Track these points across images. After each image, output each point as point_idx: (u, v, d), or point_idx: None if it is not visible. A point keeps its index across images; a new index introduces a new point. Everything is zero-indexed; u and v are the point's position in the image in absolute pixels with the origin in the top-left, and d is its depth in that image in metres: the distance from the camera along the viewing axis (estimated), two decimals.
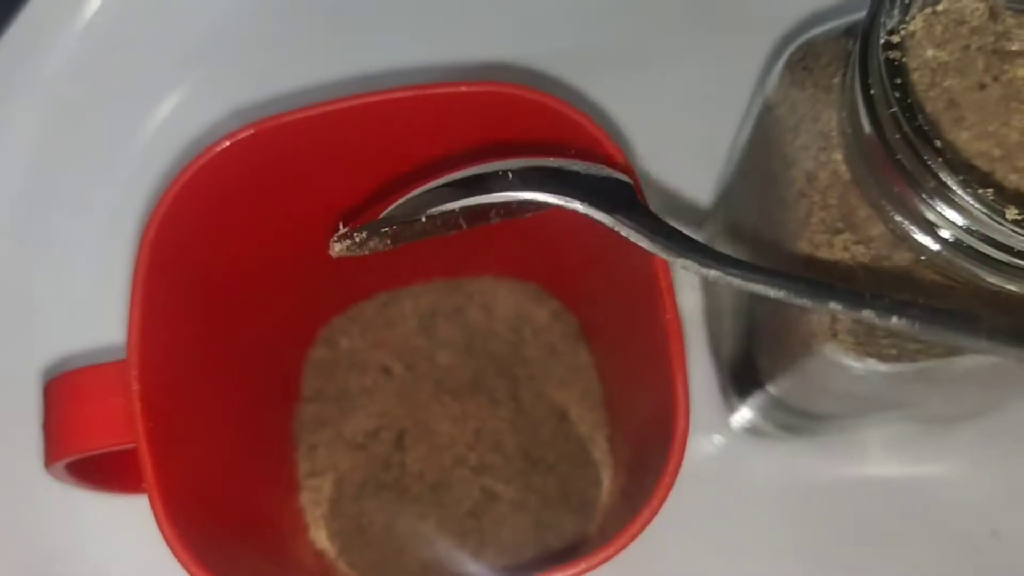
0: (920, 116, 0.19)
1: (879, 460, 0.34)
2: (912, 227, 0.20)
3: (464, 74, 0.37)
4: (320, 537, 0.33)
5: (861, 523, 0.33)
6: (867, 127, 0.20)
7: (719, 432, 0.34)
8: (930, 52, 0.21)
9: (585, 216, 0.23)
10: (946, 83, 0.21)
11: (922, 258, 0.21)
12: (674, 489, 0.23)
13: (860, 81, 0.20)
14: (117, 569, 0.33)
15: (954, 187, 0.19)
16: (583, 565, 0.23)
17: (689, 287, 0.35)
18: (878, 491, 0.34)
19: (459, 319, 0.35)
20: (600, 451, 0.33)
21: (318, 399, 0.35)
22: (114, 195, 0.36)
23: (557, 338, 0.35)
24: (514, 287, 0.36)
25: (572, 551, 0.32)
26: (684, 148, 0.35)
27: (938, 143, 0.19)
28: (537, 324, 0.35)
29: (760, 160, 0.26)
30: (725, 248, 0.32)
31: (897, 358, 0.23)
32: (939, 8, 0.21)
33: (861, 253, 0.22)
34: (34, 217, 0.36)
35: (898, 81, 0.20)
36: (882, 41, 0.20)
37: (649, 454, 0.28)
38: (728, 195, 0.32)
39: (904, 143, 0.19)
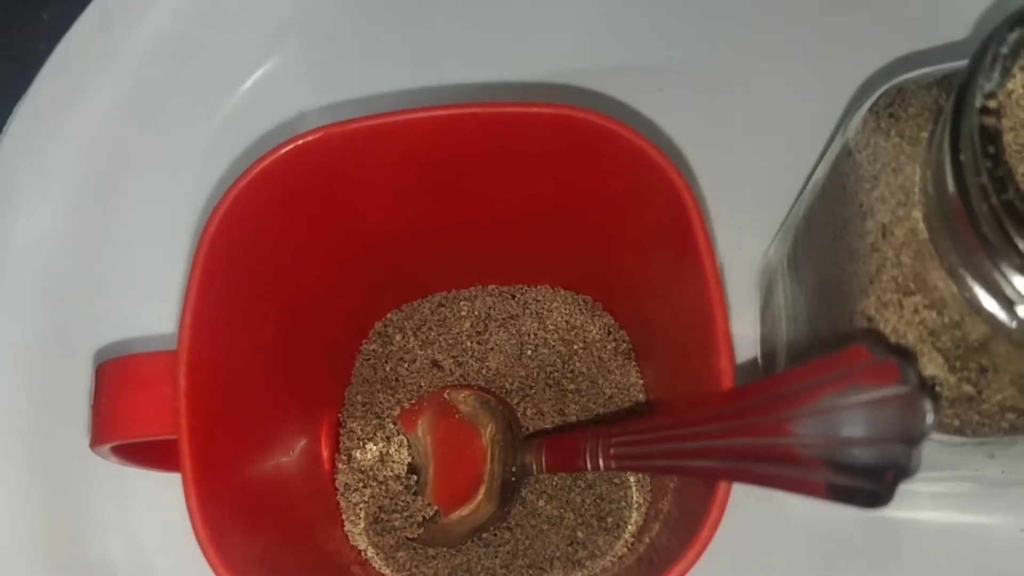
0: (1011, 189, 0.18)
1: (930, 508, 0.33)
2: (988, 299, 0.19)
3: (527, 91, 0.36)
4: (355, 532, 0.33)
5: (907, 564, 0.33)
6: (952, 190, 0.19)
7: None
8: None
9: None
10: None
11: (997, 332, 0.20)
12: None
13: (950, 143, 0.19)
14: (155, 541, 0.34)
15: None
16: None
17: (747, 319, 0.34)
18: (926, 535, 0.33)
19: (512, 326, 0.35)
20: (636, 474, 0.33)
21: (367, 387, 0.35)
22: (185, 181, 0.36)
23: (608, 354, 0.34)
24: (569, 299, 0.35)
25: (603, 569, 0.32)
26: (751, 177, 0.34)
27: None
28: (589, 338, 0.35)
29: (834, 204, 0.25)
30: (785, 288, 0.31)
31: (959, 430, 0.22)
32: None
33: (932, 319, 0.21)
34: (105, 197, 0.37)
35: (991, 150, 0.18)
36: (978, 105, 0.19)
37: (691, 490, 0.27)
38: (794, 234, 0.31)
39: (990, 215, 0.18)
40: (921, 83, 0.23)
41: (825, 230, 0.26)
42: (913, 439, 0.17)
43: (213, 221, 0.24)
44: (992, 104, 0.19)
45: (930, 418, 0.16)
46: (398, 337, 0.35)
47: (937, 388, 0.21)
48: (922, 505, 0.33)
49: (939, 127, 0.20)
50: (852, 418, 0.18)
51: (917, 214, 0.21)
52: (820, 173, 0.27)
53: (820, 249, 0.27)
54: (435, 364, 0.35)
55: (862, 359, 0.18)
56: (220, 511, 0.24)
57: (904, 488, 0.32)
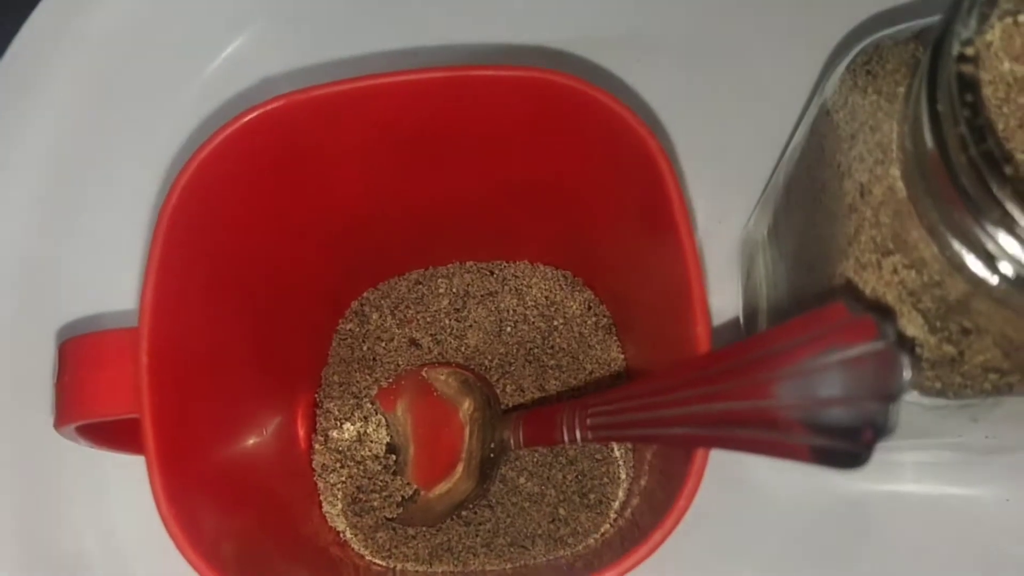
0: (990, 139, 0.18)
1: (911, 480, 0.33)
2: (970, 256, 0.19)
3: (495, 56, 0.35)
4: (333, 514, 0.32)
5: (888, 538, 0.32)
6: (930, 144, 0.19)
7: None
8: (1007, 65, 0.19)
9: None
10: (1022, 100, 0.19)
11: (978, 290, 0.19)
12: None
13: (927, 94, 0.19)
14: (124, 506, 0.33)
15: (1020, 219, 0.17)
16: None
17: (729, 291, 0.34)
18: (908, 508, 0.32)
19: (491, 302, 0.35)
20: (622, 448, 0.32)
21: (343, 367, 0.34)
22: (145, 161, 0.36)
23: (588, 330, 0.34)
24: (548, 274, 0.35)
25: (585, 547, 0.32)
26: (732, 146, 0.34)
27: (1007, 170, 0.18)
28: (569, 313, 0.34)
29: (812, 167, 0.25)
30: (766, 256, 0.30)
31: (941, 392, 0.22)
32: (1021, 19, 0.19)
33: (911, 278, 0.21)
34: (64, 178, 0.36)
35: (969, 98, 0.18)
36: (955, 53, 0.18)
37: (670, 460, 0.27)
38: (774, 201, 0.30)
39: (969, 166, 0.18)
40: (898, 39, 0.23)
41: (804, 194, 0.26)
42: (891, 396, 0.16)
43: (175, 191, 0.23)
44: (969, 51, 0.18)
45: (907, 373, 0.16)
46: (375, 316, 0.35)
47: (918, 350, 0.21)
48: (904, 477, 0.33)
49: (916, 79, 0.20)
50: (829, 377, 0.17)
51: (895, 171, 0.21)
52: (798, 137, 0.27)
53: (800, 214, 0.26)
54: (413, 342, 0.34)
55: (839, 317, 0.17)
56: (188, 493, 0.24)
57: (886, 458, 0.32)
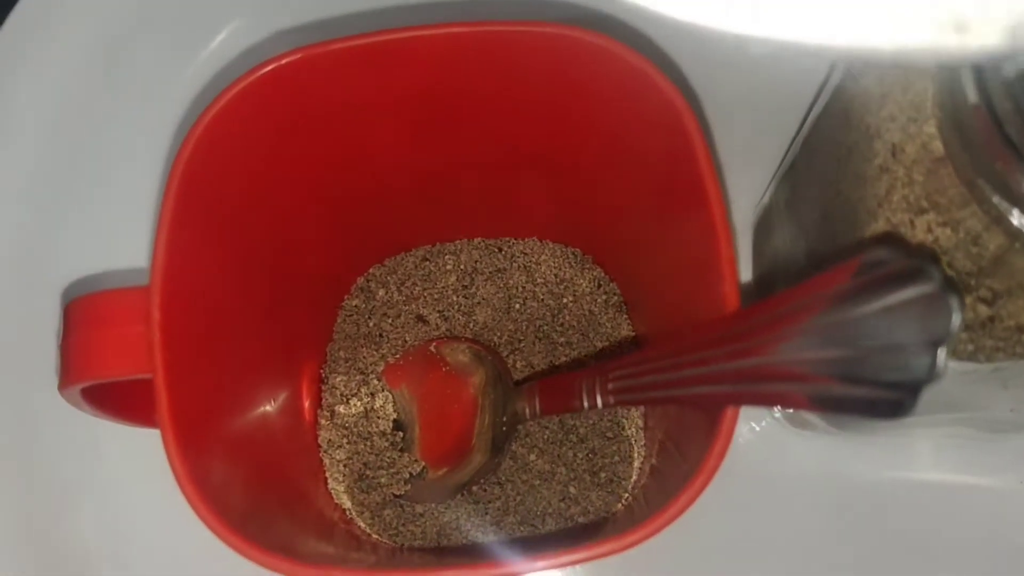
0: None
1: (927, 466, 0.32)
2: (1011, 209, 0.19)
3: (507, 8, 0.35)
4: (339, 491, 0.32)
5: (901, 527, 0.32)
6: (972, 96, 0.18)
7: (762, 418, 0.33)
8: None
9: None
10: None
11: (1016, 244, 0.19)
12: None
13: None
14: (126, 497, 0.32)
15: None
16: (611, 545, 0.21)
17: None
18: (922, 497, 0.32)
19: (499, 279, 0.34)
20: (634, 427, 0.32)
21: (349, 343, 0.33)
22: (151, 121, 0.35)
23: (599, 307, 0.33)
24: (557, 251, 0.34)
25: (596, 527, 0.31)
26: (756, 109, 0.33)
27: None
28: (579, 291, 0.34)
29: (837, 130, 0.25)
30: (785, 224, 0.30)
31: (973, 355, 0.21)
32: None
33: (946, 236, 0.20)
34: (68, 136, 0.35)
35: None
36: None
37: (687, 436, 0.26)
38: (792, 175, 0.30)
39: (1015, 114, 0.17)
40: None
41: (828, 162, 0.25)
42: (939, 341, 0.16)
43: (188, 144, 0.22)
44: None
45: (957, 317, 0.16)
46: (381, 292, 0.34)
47: None
48: (920, 456, 0.32)
49: None
50: (871, 325, 0.17)
51: (930, 128, 0.21)
52: (820, 105, 0.26)
53: (822, 182, 0.26)
54: (420, 319, 0.34)
55: (879, 263, 0.17)
56: (200, 455, 0.23)
57: (902, 441, 0.32)
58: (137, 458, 0.31)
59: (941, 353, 0.16)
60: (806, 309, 0.18)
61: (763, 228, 0.33)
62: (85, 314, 0.24)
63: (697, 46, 0.34)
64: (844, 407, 0.17)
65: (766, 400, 0.19)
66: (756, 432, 0.33)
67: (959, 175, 0.20)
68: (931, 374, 0.16)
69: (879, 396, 0.17)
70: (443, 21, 0.23)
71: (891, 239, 0.20)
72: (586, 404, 0.24)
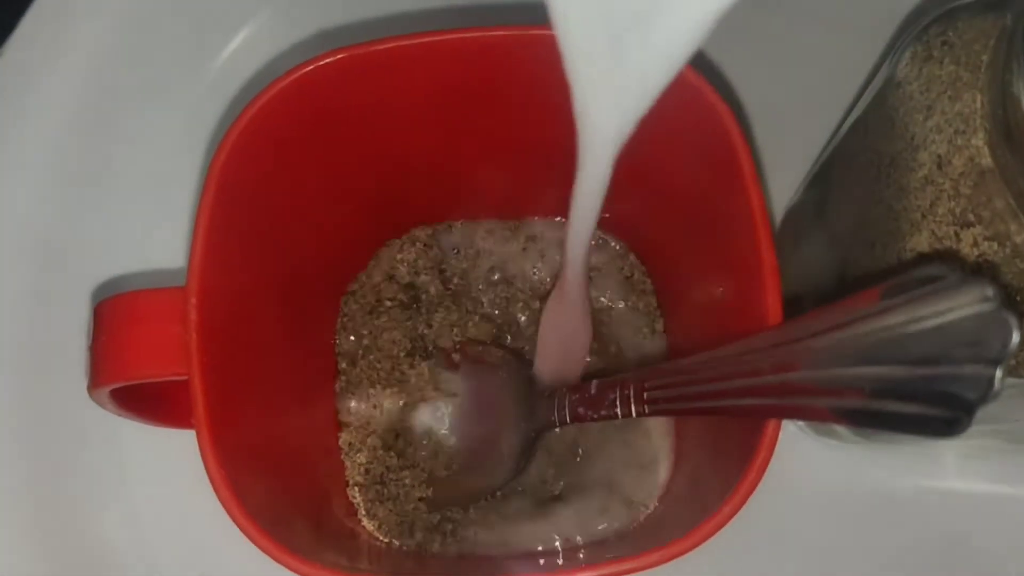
0: None
1: (952, 475, 0.32)
2: None
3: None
4: (357, 495, 0.31)
5: (924, 536, 0.32)
6: None
7: (785, 426, 0.32)
8: None
9: None
10: None
11: None
12: None
13: (1020, 58, 0.18)
14: (151, 496, 0.32)
15: None
16: (649, 558, 0.21)
17: None
18: (946, 506, 0.32)
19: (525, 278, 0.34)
20: (659, 435, 0.32)
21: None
22: (182, 119, 0.35)
23: (635, 316, 0.33)
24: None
25: (619, 538, 0.31)
26: (791, 117, 0.33)
27: None
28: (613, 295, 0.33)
29: (878, 140, 0.24)
30: (814, 229, 0.30)
31: (1014, 370, 0.21)
32: None
33: (992, 251, 0.20)
34: (102, 136, 0.35)
35: None
36: None
37: (721, 449, 0.26)
38: (826, 180, 0.30)
39: None
40: (974, 9, 0.22)
41: (866, 170, 0.25)
42: (997, 359, 0.16)
43: (224, 146, 0.22)
44: None
45: (1016, 335, 0.15)
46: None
47: None
48: (945, 466, 0.32)
49: (1004, 44, 0.19)
50: (925, 341, 0.17)
51: (978, 141, 0.20)
52: (858, 112, 0.26)
53: (859, 190, 0.26)
54: (449, 320, 0.33)
55: (934, 280, 0.17)
56: (234, 459, 0.23)
57: (928, 452, 0.32)
58: (161, 458, 0.31)
59: (999, 371, 0.16)
60: (855, 323, 0.18)
61: (789, 232, 0.33)
62: (118, 314, 0.23)
63: (732, 45, 0.34)
64: (893, 425, 0.17)
65: (811, 415, 0.19)
66: (782, 440, 0.32)
67: (1008, 188, 0.20)
68: (988, 392, 0.16)
69: (932, 414, 0.17)
70: (477, 24, 0.23)
71: (944, 255, 0.20)
72: (620, 413, 0.24)
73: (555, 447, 0.32)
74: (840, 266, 0.27)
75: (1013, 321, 0.15)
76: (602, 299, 0.33)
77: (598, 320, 0.33)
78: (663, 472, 0.31)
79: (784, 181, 0.33)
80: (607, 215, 0.28)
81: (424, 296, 0.33)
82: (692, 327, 0.30)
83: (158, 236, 0.32)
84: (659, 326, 0.33)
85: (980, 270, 0.19)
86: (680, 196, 0.26)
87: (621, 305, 0.33)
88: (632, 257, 0.33)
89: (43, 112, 0.35)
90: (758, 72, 0.34)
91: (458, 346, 0.33)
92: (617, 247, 0.33)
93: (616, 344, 0.33)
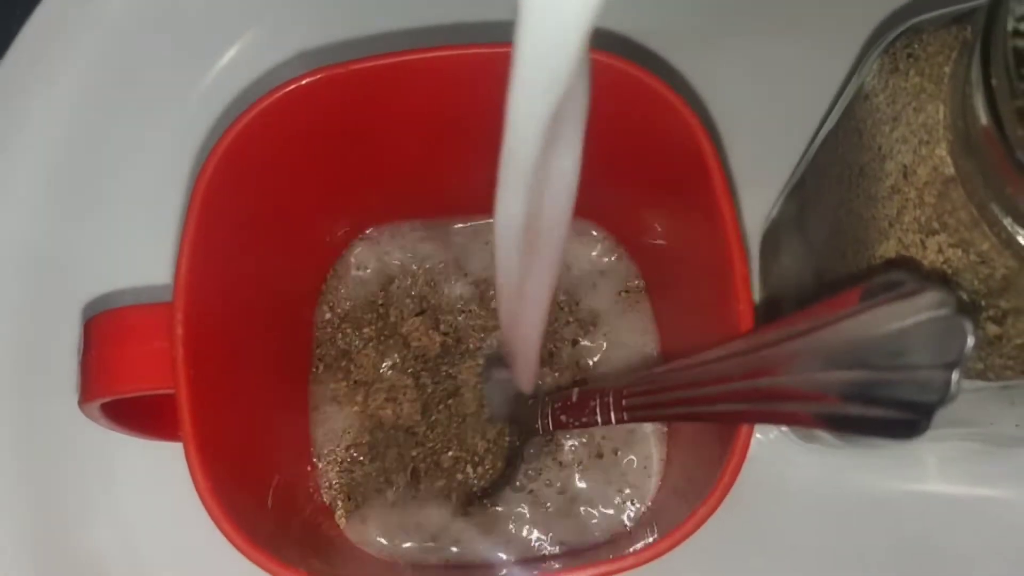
0: None
1: (933, 477, 0.33)
2: (1021, 231, 0.19)
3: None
4: (334, 497, 0.32)
5: (906, 538, 0.32)
6: (984, 120, 0.19)
7: (768, 431, 0.33)
8: None
9: None
10: None
11: None
12: None
13: (981, 69, 0.19)
14: (140, 507, 0.33)
15: None
16: (627, 561, 0.22)
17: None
18: (928, 508, 0.32)
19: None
20: (652, 441, 0.32)
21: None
22: (169, 138, 0.35)
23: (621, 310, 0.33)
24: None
25: (610, 540, 0.31)
26: (768, 130, 0.34)
27: None
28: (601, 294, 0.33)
29: (848, 151, 0.25)
30: (793, 240, 0.30)
31: (982, 373, 0.22)
32: None
33: (957, 257, 0.21)
34: (88, 154, 0.36)
35: None
36: (1010, 28, 0.18)
37: (700, 453, 0.26)
38: (801, 192, 0.30)
39: None
40: (938, 23, 0.23)
41: (838, 181, 0.26)
42: (954, 363, 0.16)
43: (210, 162, 0.23)
44: None
45: (971, 340, 0.16)
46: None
47: None
48: (928, 474, 0.33)
49: (965, 58, 0.20)
50: (886, 346, 0.17)
51: (941, 151, 0.21)
52: (831, 124, 0.27)
53: (832, 200, 0.26)
54: (428, 327, 0.34)
55: (895, 286, 0.17)
56: (222, 471, 0.23)
57: (909, 453, 0.32)
58: (150, 469, 0.31)
59: (955, 375, 0.16)
60: (821, 329, 0.18)
61: (770, 244, 0.33)
62: (107, 329, 0.24)
63: (707, 62, 0.35)
64: (858, 427, 0.18)
65: (780, 419, 0.19)
66: (763, 445, 0.33)
67: (970, 197, 0.20)
68: (945, 395, 0.16)
69: (893, 417, 0.17)
70: (452, 43, 0.23)
71: (905, 262, 0.20)
72: (600, 420, 0.24)
73: (549, 453, 0.32)
74: (816, 275, 0.28)
75: (968, 326, 0.16)
76: (602, 304, 0.34)
77: (599, 320, 0.33)
78: (655, 477, 0.32)
79: (763, 195, 0.33)
80: (606, 217, 0.28)
81: (398, 301, 0.33)
82: (679, 335, 0.31)
83: (147, 252, 0.33)
84: (654, 334, 0.33)
85: (945, 277, 0.20)
86: (658, 209, 0.27)
87: (620, 308, 0.33)
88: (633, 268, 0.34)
89: (33, 131, 0.35)
90: (733, 87, 0.34)
91: (450, 357, 0.33)
92: (616, 257, 0.34)
93: (612, 357, 0.33)
